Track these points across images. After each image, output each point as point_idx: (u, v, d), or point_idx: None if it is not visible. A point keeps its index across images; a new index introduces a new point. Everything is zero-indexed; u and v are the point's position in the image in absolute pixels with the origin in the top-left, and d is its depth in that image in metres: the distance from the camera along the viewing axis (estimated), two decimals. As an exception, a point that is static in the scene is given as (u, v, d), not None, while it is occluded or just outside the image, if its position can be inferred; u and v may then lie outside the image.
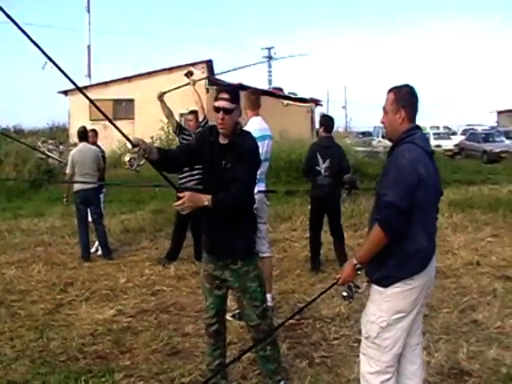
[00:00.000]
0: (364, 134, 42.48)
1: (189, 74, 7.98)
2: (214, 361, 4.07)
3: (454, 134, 35.54)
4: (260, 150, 5.65)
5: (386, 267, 3.17)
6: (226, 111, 3.66)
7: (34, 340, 5.33)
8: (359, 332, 5.27)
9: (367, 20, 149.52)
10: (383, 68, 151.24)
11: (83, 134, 9.16)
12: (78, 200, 8.86)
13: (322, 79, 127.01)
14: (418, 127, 3.36)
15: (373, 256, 3.16)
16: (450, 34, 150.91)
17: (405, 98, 3.31)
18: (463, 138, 31.43)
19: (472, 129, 34.16)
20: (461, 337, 5.22)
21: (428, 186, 3.16)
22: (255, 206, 5.59)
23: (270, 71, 64.24)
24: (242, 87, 26.73)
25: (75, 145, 22.70)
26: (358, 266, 3.20)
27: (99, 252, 9.04)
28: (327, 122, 7.69)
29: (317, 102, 32.08)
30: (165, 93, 8.08)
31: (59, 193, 16.13)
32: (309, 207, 8.39)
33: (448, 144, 30.39)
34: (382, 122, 3.46)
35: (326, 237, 9.72)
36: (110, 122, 3.73)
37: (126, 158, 3.49)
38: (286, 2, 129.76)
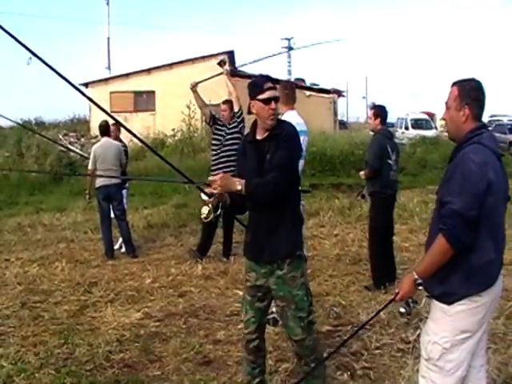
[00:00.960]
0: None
1: (222, 64, 7.65)
2: (254, 379, 3.77)
3: (479, 124, 34.81)
4: None
5: (450, 283, 2.86)
6: (277, 99, 3.53)
7: (58, 346, 5.08)
8: (401, 340, 5.04)
9: (387, 10, 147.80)
10: (405, 58, 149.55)
11: (105, 129, 8.90)
12: (101, 196, 8.63)
13: (342, 70, 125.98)
14: (484, 126, 3.02)
15: (435, 270, 2.84)
16: (471, 22, 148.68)
17: (470, 95, 2.96)
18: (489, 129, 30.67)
19: (497, 120, 33.43)
20: (510, 346, 4.89)
21: (497, 192, 2.83)
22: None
23: (289, 61, 63.85)
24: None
25: (96, 137, 22.73)
26: (419, 281, 2.88)
27: (123, 249, 8.82)
28: (382, 113, 6.88)
29: (339, 93, 31.62)
30: (198, 83, 7.81)
31: (81, 186, 16.01)
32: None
33: (475, 136, 29.76)
34: (444, 119, 3.13)
35: (355, 233, 9.47)
36: (143, 142, 3.50)
37: (205, 211, 3.56)
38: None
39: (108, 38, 39.16)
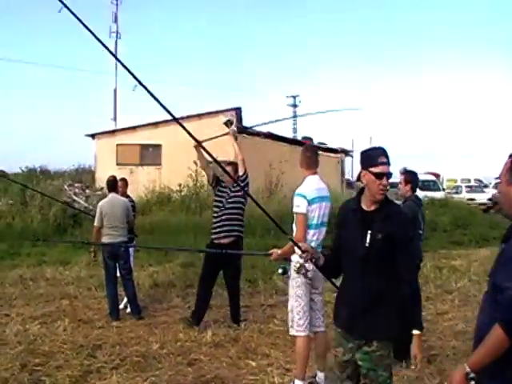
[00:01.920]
0: (392, 185, 41.37)
1: (229, 124, 7.45)
2: None
3: (486, 186, 34.83)
4: (316, 213, 5.19)
5: (505, 378, 2.59)
6: (390, 175, 3.46)
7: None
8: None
9: (391, 69, 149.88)
10: (409, 118, 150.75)
11: (113, 184, 8.71)
12: (106, 254, 8.37)
13: (347, 128, 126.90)
14: None
15: (489, 363, 2.58)
16: (475, 85, 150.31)
17: None
18: (496, 191, 30.74)
19: None
20: None
21: None
22: (310, 276, 5.01)
23: (294, 120, 64.47)
24: (270, 136, 26.33)
25: (102, 189, 22.63)
26: (472, 375, 2.62)
27: (128, 309, 8.49)
28: (414, 179, 6.55)
29: (346, 153, 31.65)
30: (202, 142, 7.65)
31: (84, 240, 15.77)
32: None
33: (482, 197, 29.79)
34: (499, 193, 2.92)
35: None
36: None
37: (296, 264, 3.69)
38: (311, 52, 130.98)
39: (115, 90, 39.78)
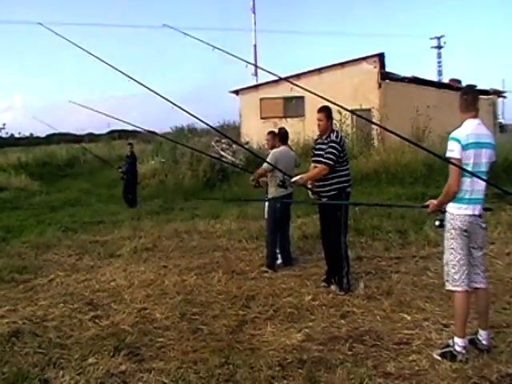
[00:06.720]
0: None
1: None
2: None
3: None
4: (472, 160, 4.77)
5: None
6: None
7: (218, 366, 4.89)
8: None
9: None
10: None
11: (286, 136, 8.66)
12: (279, 204, 8.30)
13: (497, 66, 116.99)
14: None
15: None
16: None
17: None
18: None
19: None
20: None
21: None
22: (466, 228, 4.73)
23: (439, 62, 61.21)
24: (415, 80, 25.13)
25: (247, 143, 23.02)
26: None
27: (279, 260, 8.56)
28: None
29: (499, 94, 29.48)
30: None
31: (233, 193, 16.27)
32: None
33: None
34: None
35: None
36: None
37: None
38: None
39: (254, 45, 40.18)
